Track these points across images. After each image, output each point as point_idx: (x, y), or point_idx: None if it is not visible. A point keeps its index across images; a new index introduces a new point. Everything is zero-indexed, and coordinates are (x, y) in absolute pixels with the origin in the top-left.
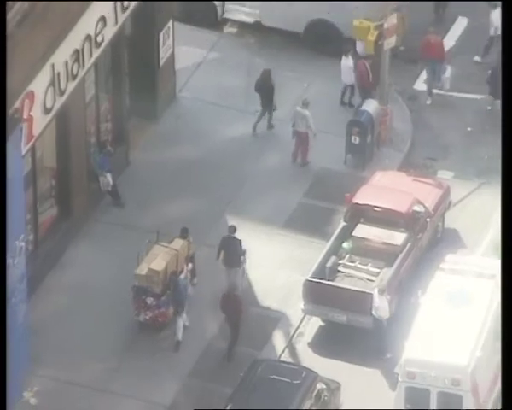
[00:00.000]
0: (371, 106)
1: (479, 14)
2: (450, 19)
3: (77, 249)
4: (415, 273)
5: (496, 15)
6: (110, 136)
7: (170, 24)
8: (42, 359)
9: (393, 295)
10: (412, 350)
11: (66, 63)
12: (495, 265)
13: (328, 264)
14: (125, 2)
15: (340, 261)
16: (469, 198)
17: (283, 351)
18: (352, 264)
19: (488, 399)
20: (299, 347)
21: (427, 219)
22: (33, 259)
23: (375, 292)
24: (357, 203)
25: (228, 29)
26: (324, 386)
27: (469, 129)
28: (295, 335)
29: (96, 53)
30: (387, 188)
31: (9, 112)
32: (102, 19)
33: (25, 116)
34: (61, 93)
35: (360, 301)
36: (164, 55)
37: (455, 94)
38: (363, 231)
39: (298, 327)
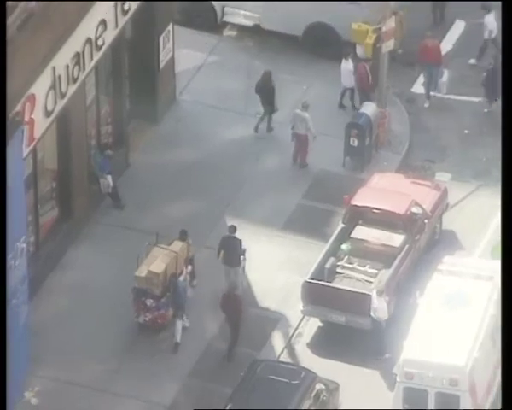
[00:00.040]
0: (370, 108)
1: (476, 16)
2: (448, 22)
3: (77, 251)
4: (413, 275)
5: (490, 19)
6: (110, 138)
7: (170, 27)
8: (43, 359)
9: (391, 296)
10: (410, 351)
11: (67, 66)
12: (492, 266)
13: (327, 265)
14: (126, 6)
15: (339, 263)
16: (467, 200)
17: (282, 351)
18: (351, 265)
19: (486, 399)
20: (297, 347)
21: (425, 221)
22: (34, 260)
23: (374, 293)
24: (355, 205)
25: (227, 32)
26: (323, 386)
27: (467, 131)
28: (294, 335)
29: (97, 56)
30: (386, 190)
31: (11, 115)
32: (103, 22)
33: (26, 119)
34: (62, 96)
35: (359, 303)
36: (164, 58)
37: (452, 97)
38: (361, 232)
39: (297, 328)
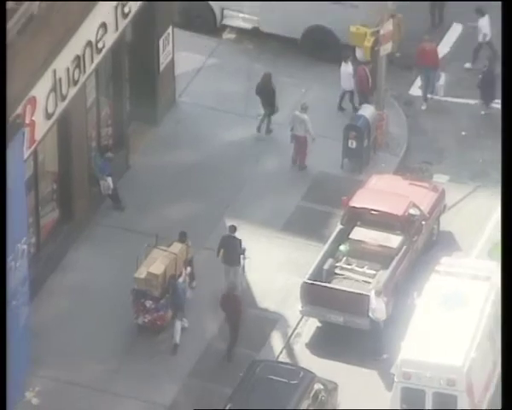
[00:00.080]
0: (368, 111)
1: (473, 20)
2: (446, 25)
3: (78, 252)
4: (410, 275)
5: (484, 22)
6: (111, 140)
7: (170, 30)
8: (43, 360)
9: (389, 296)
10: (408, 351)
11: (68, 69)
12: (489, 267)
13: (326, 266)
14: (126, 9)
15: (337, 264)
16: (464, 201)
17: (281, 352)
18: (349, 266)
19: (483, 399)
20: (296, 348)
21: (423, 222)
22: (35, 261)
23: (372, 294)
24: (353, 207)
25: (227, 35)
26: (322, 386)
27: (464, 133)
28: (293, 336)
29: (97, 59)
30: (384, 191)
31: (12, 117)
32: (103, 25)
33: (27, 121)
34: (63, 98)
35: (357, 303)
36: (164, 60)
37: (449, 99)
38: (359, 233)
39: (295, 328)
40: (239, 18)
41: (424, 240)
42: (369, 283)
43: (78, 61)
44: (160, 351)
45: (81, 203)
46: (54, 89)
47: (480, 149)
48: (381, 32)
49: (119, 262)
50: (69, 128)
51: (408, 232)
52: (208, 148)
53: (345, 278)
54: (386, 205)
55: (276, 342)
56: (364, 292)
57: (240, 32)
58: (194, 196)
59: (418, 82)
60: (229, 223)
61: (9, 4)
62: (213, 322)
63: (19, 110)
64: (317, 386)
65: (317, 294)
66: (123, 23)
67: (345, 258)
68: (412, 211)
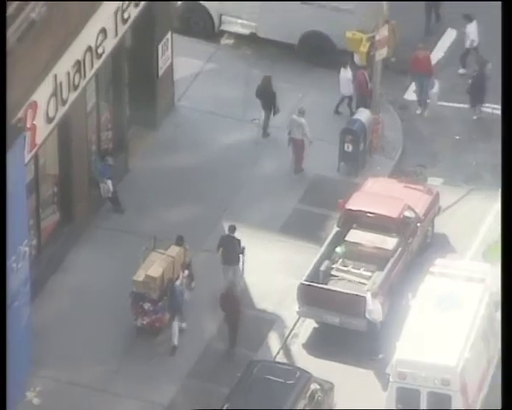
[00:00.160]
0: (363, 115)
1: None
2: (440, 31)
3: (78, 254)
4: (405, 277)
5: (471, 28)
6: (111, 144)
7: (169, 36)
8: (44, 360)
9: (385, 298)
10: (403, 351)
11: (68, 74)
12: (483, 269)
13: (322, 268)
14: (125, 15)
15: (334, 265)
16: (458, 204)
17: (278, 352)
18: (345, 268)
19: (477, 398)
20: (293, 348)
21: (418, 225)
22: (36, 263)
23: (369, 295)
24: (349, 209)
25: (225, 41)
26: (318, 386)
27: (457, 137)
28: (290, 336)
29: (97, 64)
30: (379, 194)
31: (13, 121)
32: (103, 31)
33: (28, 125)
34: (63, 103)
35: (353, 304)
36: (163, 65)
37: (443, 104)
38: (355, 236)
39: (292, 329)
40: (237, 24)
41: (419, 242)
42: (365, 284)
43: (79, 66)
44: (158, 352)
45: (81, 206)
46: (54, 93)
47: (473, 153)
48: (377, 37)
49: (119, 264)
50: (69, 132)
51: (403, 234)
52: (207, 151)
53: (341, 279)
54: (381, 207)
55: (274, 342)
56: (360, 293)
57: (238, 37)
58: (193, 199)
59: (413, 87)
60: (227, 225)
61: (10, 10)
62: (212, 323)
63: (20, 114)
64: (314, 386)
65: (313, 295)
66: (122, 28)
67: (341, 260)
68: (407, 213)
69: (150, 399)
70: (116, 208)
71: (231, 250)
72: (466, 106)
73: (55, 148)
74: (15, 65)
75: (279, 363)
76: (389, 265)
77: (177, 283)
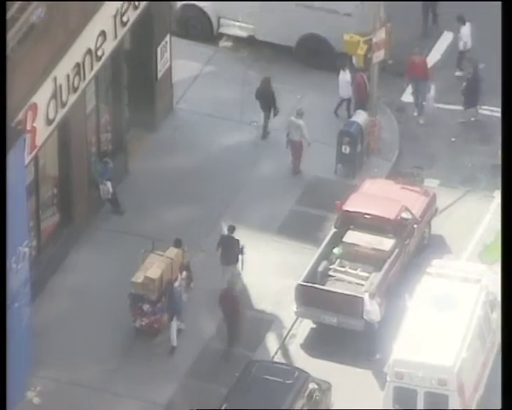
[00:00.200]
0: (361, 117)
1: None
2: (437, 33)
3: (78, 255)
4: (402, 278)
5: (465, 31)
6: (110, 146)
7: (167, 38)
8: (44, 360)
9: (382, 298)
10: (400, 351)
11: (68, 76)
12: (479, 269)
13: (320, 269)
14: (125, 18)
15: (331, 266)
16: (455, 205)
17: (276, 352)
18: (343, 269)
19: (473, 398)
20: (291, 348)
21: (415, 226)
22: (36, 264)
23: (366, 296)
24: (347, 210)
25: (223, 43)
26: (316, 386)
27: (453, 139)
28: (288, 337)
29: (97, 66)
30: (376, 196)
31: (13, 123)
32: (102, 33)
33: (28, 127)
34: (63, 105)
35: (350, 304)
36: (161, 68)
37: (440, 106)
38: (352, 237)
39: (290, 329)
40: (235, 26)
41: (416, 243)
42: (362, 285)
43: (78, 69)
44: (157, 353)
45: (81, 207)
46: (54, 96)
47: (469, 154)
48: (374, 40)
49: (119, 265)
50: (69, 134)
51: (400, 236)
52: (205, 153)
53: (338, 280)
54: (378, 209)
55: (272, 342)
56: (358, 294)
57: (236, 40)
58: (192, 200)
59: (410, 89)
60: (225, 226)
61: (10, 14)
62: (210, 323)
63: (20, 116)
64: (312, 386)
65: (311, 296)
66: (122, 31)
67: (338, 260)
68: (404, 215)
69: (149, 398)
70: (116, 210)
71: (230, 250)
72: (462, 108)
73: (54, 149)
74: (15, 67)
75: (277, 363)
76: (386, 266)
77: (176, 284)
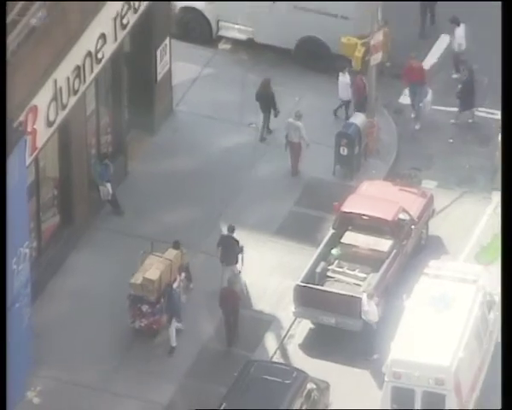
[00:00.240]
0: (359, 119)
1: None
2: (435, 34)
3: (78, 256)
4: (400, 278)
5: (459, 32)
6: (110, 148)
7: (167, 41)
8: (44, 360)
9: (380, 299)
10: (398, 351)
11: (68, 79)
12: (476, 270)
13: (318, 269)
14: (124, 20)
15: (329, 267)
16: (452, 207)
17: (275, 352)
18: (341, 269)
19: (470, 398)
20: (290, 348)
21: (412, 227)
22: (37, 265)
23: (364, 297)
24: (345, 212)
25: (222, 46)
26: (314, 386)
27: (451, 140)
28: (286, 337)
29: (97, 69)
30: (374, 197)
31: (14, 125)
32: (102, 36)
33: (29, 129)
34: (63, 107)
35: (348, 305)
36: (161, 70)
37: (437, 108)
38: (351, 238)
39: (289, 329)
40: (234, 29)
41: (413, 244)
42: (360, 285)
43: (79, 71)
44: (156, 354)
45: (81, 209)
46: (55, 98)
47: (466, 156)
48: (372, 42)
49: (119, 266)
50: (69, 136)
51: (398, 237)
52: (204, 155)
53: (337, 280)
54: (376, 210)
55: (270, 342)
56: (356, 294)
57: (235, 42)
58: (191, 202)
59: (407, 91)
60: (225, 227)
61: (11, 16)
62: (209, 323)
63: (21, 118)
64: (310, 386)
65: (309, 296)
66: (121, 34)
67: (337, 261)
68: (402, 216)
69: (149, 398)
70: (115, 211)
71: (230, 250)
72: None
73: (55, 151)
74: (16, 70)
75: (276, 363)
76: (384, 266)
77: (175, 285)
